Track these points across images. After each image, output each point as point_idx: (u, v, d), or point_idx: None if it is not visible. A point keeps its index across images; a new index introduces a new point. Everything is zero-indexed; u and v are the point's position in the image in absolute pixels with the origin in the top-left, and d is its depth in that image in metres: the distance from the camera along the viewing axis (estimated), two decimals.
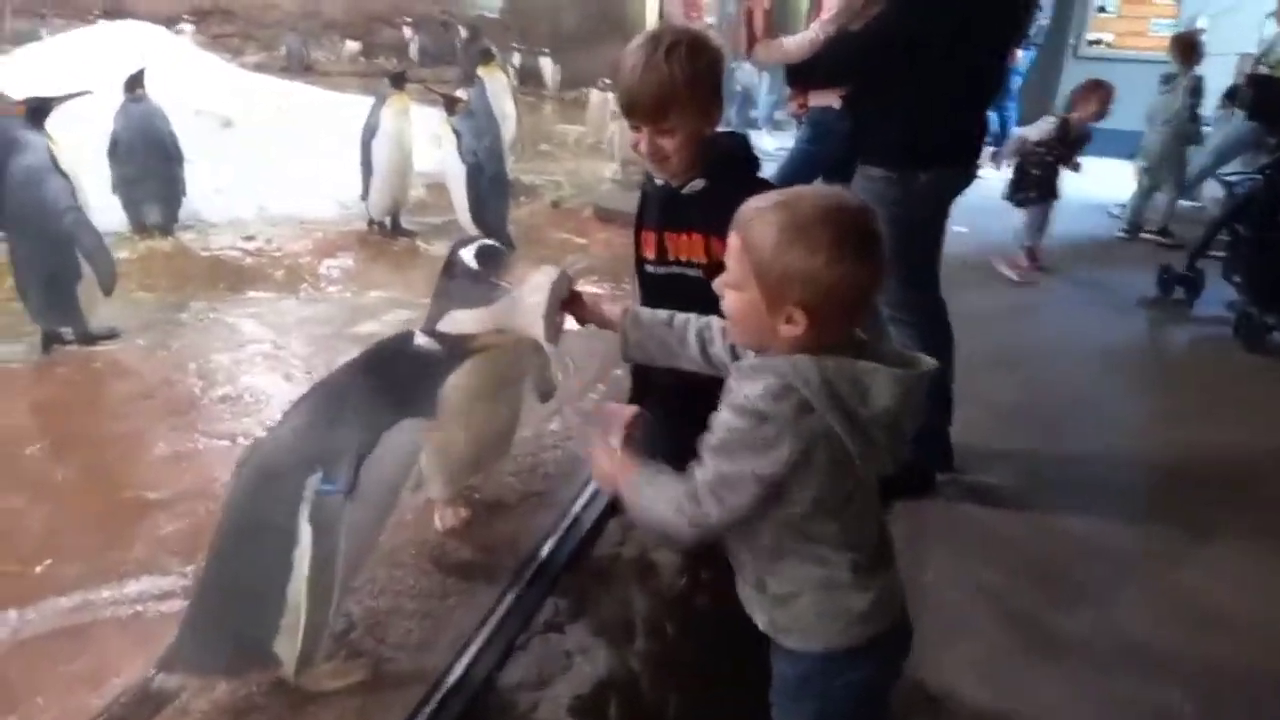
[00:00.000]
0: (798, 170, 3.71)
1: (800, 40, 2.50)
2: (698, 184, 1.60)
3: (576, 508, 2.14)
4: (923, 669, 1.72)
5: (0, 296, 3.62)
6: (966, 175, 2.36)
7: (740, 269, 1.08)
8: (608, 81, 7.66)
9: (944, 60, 2.12)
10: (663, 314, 1.45)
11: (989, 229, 4.92)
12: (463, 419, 1.87)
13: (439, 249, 4.45)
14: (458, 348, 1.56)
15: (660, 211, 1.68)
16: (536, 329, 1.51)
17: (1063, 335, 4.10)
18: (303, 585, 1.32)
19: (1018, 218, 4.80)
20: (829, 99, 3.41)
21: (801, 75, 2.49)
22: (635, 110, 1.56)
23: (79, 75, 4.55)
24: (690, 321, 1.41)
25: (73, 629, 1.90)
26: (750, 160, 1.68)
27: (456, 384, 1.66)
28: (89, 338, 3.47)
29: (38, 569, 2.10)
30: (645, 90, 1.52)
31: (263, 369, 3.36)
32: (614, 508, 2.14)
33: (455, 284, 1.84)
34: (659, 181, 1.66)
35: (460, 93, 5.45)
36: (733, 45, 2.82)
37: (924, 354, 1.12)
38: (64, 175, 3.34)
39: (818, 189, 1.15)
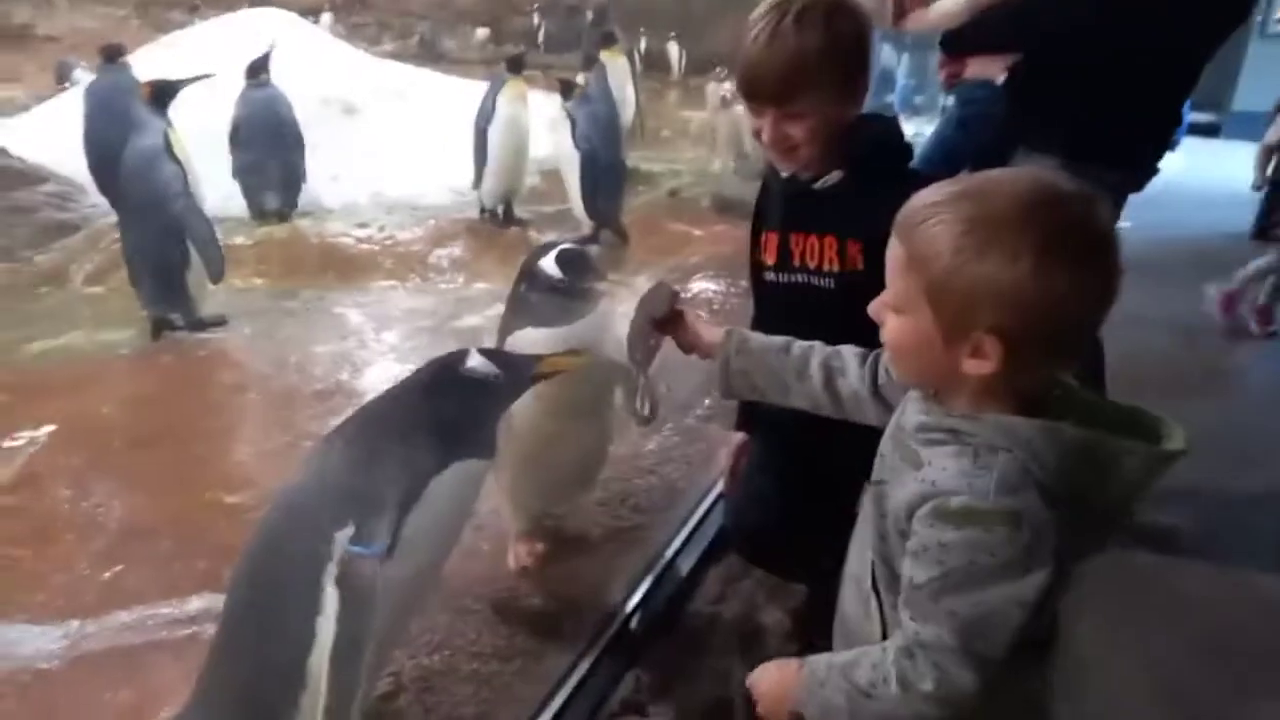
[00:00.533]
0: (935, 162, 3.23)
1: (958, 1, 2.10)
2: (834, 176, 1.30)
3: (670, 552, 1.84)
4: None
5: (115, 283, 3.68)
6: (1152, 171, 1.99)
7: (905, 286, 0.82)
8: (721, 70, 7.26)
9: (1149, 36, 1.76)
10: (777, 340, 1.16)
11: (1155, 224, 4.27)
12: (534, 444, 1.63)
13: (550, 239, 4.29)
14: (522, 372, 1.30)
15: (785, 209, 1.39)
16: (625, 351, 1.27)
17: (1258, 352, 3.50)
18: (325, 661, 1.09)
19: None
20: (991, 69, 2.91)
21: (966, 38, 2.10)
22: (757, 91, 1.26)
23: (214, 61, 4.60)
24: (814, 350, 1.14)
25: (126, 649, 1.80)
26: (902, 150, 1.35)
27: (526, 405, 1.43)
28: (198, 324, 3.47)
29: (106, 574, 2.04)
30: (769, 66, 1.22)
31: (361, 363, 3.28)
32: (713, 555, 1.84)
33: (533, 296, 1.59)
34: (785, 173, 1.36)
35: (579, 78, 5.25)
36: (878, 16, 2.43)
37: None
38: (177, 161, 3.32)
39: (1015, 173, 0.85)
